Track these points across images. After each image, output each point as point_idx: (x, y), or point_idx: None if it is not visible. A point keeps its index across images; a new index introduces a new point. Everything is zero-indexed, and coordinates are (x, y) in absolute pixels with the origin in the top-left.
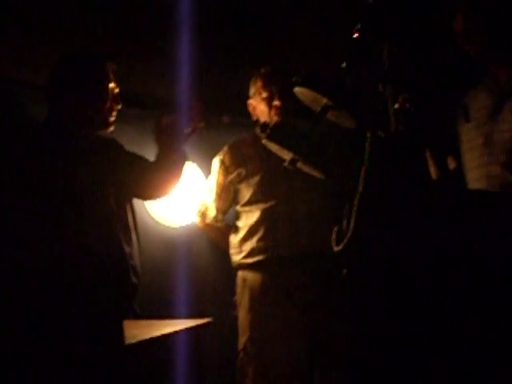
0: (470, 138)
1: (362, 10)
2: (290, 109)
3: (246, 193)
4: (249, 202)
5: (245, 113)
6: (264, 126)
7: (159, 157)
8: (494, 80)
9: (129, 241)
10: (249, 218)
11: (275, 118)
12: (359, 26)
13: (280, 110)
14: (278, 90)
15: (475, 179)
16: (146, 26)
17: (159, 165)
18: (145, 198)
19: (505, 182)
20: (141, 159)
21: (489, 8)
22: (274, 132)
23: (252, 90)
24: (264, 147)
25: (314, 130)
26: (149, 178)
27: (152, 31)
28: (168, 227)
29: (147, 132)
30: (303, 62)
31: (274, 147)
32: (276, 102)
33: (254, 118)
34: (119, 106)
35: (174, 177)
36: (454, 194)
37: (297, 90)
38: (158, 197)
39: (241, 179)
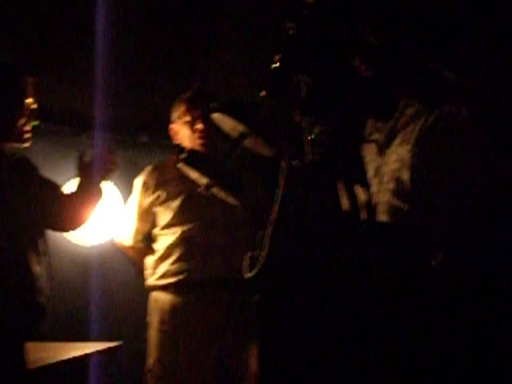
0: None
1: (283, 41)
2: (213, 132)
3: (164, 216)
4: (167, 226)
5: (163, 133)
6: (180, 149)
7: (76, 190)
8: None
9: (38, 261)
10: (165, 240)
11: (198, 142)
12: (279, 56)
13: (203, 134)
14: (201, 113)
15: None
16: (64, 42)
17: (75, 198)
18: (53, 228)
19: (393, 208)
20: (54, 188)
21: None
22: (189, 156)
23: (174, 115)
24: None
25: (231, 155)
26: (58, 209)
27: (69, 47)
28: (81, 246)
29: (63, 147)
30: (223, 88)
31: (189, 172)
32: (198, 126)
33: (176, 143)
34: (36, 122)
35: (86, 212)
36: (362, 225)
37: (215, 116)
38: (66, 229)
39: (160, 202)
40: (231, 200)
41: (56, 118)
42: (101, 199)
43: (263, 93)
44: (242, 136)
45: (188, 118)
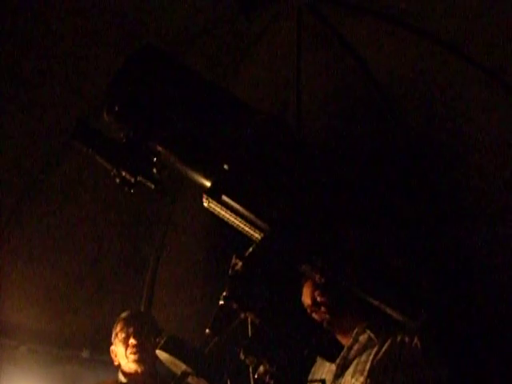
0: None
1: (230, 279)
2: (147, 348)
3: None
4: None
5: (106, 349)
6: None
7: None
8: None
9: None
10: None
11: (131, 357)
12: (225, 294)
13: (135, 349)
14: (135, 330)
15: None
16: None
17: None
18: None
19: None
20: None
21: (332, 284)
22: None
23: (113, 335)
24: None
25: None
26: None
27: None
28: None
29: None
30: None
31: None
32: (131, 341)
33: (116, 363)
34: None
35: None
36: None
37: (158, 351)
38: None
39: None
40: None
41: None
42: None
43: (208, 330)
44: (184, 374)
45: (122, 336)
